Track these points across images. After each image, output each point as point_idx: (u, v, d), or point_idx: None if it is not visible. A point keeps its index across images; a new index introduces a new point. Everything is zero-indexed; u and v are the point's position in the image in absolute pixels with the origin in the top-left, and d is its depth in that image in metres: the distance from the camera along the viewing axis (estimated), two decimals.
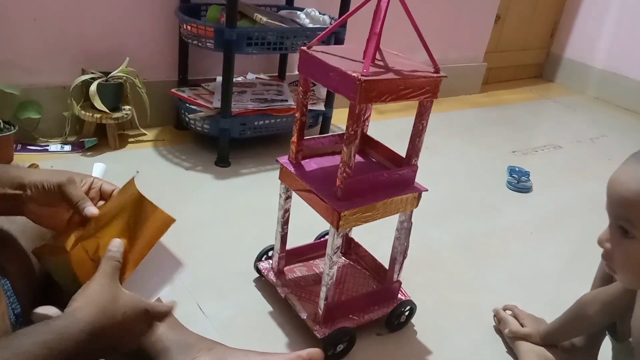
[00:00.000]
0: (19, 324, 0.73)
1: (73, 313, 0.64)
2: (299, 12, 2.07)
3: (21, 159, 1.70)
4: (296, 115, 1.11)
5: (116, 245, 0.73)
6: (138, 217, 0.75)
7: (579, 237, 1.77)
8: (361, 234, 1.38)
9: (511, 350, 1.22)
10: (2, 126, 1.66)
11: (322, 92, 2.17)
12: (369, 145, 1.22)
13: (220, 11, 1.88)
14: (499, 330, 1.29)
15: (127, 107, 1.90)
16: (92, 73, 1.81)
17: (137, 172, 0.82)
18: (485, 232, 1.72)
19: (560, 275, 1.55)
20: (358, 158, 1.19)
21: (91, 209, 0.74)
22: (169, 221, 0.74)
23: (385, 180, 1.07)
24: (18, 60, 1.76)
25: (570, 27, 3.63)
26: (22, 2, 1.70)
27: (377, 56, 1.04)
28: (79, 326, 0.62)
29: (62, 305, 0.74)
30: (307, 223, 1.40)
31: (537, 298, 1.41)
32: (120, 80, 1.84)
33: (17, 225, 0.82)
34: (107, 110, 1.79)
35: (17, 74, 1.76)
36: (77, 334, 0.62)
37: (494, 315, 1.31)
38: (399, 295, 1.25)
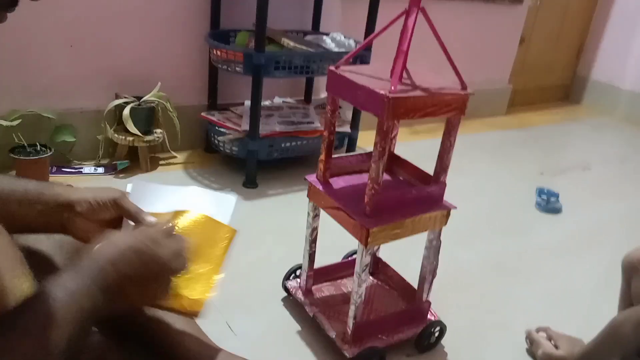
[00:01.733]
0: None
1: (92, 251, 0.64)
2: (324, 37, 2.11)
3: (56, 180, 1.75)
4: (324, 134, 1.13)
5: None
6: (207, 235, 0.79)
7: (610, 257, 1.72)
8: (388, 255, 1.38)
9: None
10: (38, 149, 1.72)
11: (348, 114, 2.19)
12: (396, 163, 1.23)
13: (249, 37, 1.93)
14: (532, 353, 1.26)
15: (158, 130, 1.95)
16: (125, 97, 1.87)
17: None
18: (515, 253, 1.70)
19: (593, 296, 1.51)
20: (386, 176, 1.20)
21: (151, 219, 0.77)
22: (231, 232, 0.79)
23: (414, 197, 1.07)
24: (55, 85, 1.83)
25: (596, 48, 3.61)
26: (59, 30, 1.78)
27: (404, 74, 1.05)
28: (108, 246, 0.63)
29: (102, 325, 0.75)
30: (334, 243, 1.40)
31: (570, 319, 1.38)
32: (152, 105, 1.90)
33: (54, 241, 0.84)
34: (140, 134, 1.84)
35: (54, 98, 1.83)
36: (100, 265, 0.61)
37: (526, 337, 1.28)
38: (429, 316, 1.24)
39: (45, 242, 0.83)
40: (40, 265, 0.79)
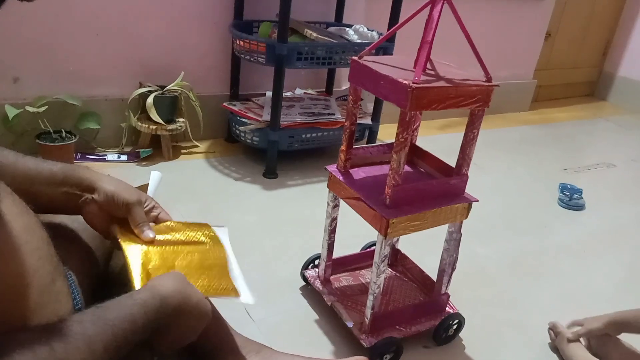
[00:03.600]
0: None
1: (154, 287, 0.66)
2: (347, 29, 2.11)
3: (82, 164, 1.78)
4: (346, 124, 1.13)
5: None
6: (212, 270, 0.80)
7: (634, 256, 1.70)
8: (407, 247, 1.38)
9: None
10: (63, 135, 1.75)
11: (369, 106, 2.19)
12: (417, 155, 1.22)
13: (272, 27, 1.93)
14: (555, 348, 1.24)
15: (181, 119, 1.97)
16: (149, 86, 1.89)
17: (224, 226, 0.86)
18: (536, 250, 1.68)
19: (615, 295, 1.49)
20: (407, 168, 1.19)
21: (149, 234, 0.79)
22: (233, 293, 0.78)
23: (435, 189, 1.07)
24: (80, 72, 1.86)
25: (624, 44, 3.53)
26: (86, 19, 1.80)
27: (428, 65, 1.05)
28: (160, 301, 0.64)
29: None
30: (353, 234, 1.40)
31: None
32: (175, 94, 1.91)
33: (78, 224, 0.86)
34: (162, 122, 1.86)
35: (79, 86, 1.86)
36: (157, 308, 0.63)
37: (550, 328, 1.26)
38: (447, 309, 1.23)
39: (69, 224, 0.85)
40: (69, 242, 0.81)
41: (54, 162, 0.78)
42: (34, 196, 0.75)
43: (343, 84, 2.43)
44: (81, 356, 0.55)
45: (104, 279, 0.87)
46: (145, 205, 0.82)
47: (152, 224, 0.82)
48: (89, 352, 0.56)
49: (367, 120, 2.12)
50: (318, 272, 1.30)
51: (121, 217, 0.80)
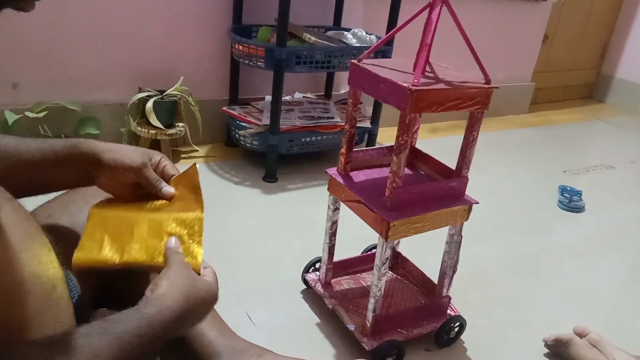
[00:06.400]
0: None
1: (160, 300, 0.65)
2: (346, 33, 2.11)
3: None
4: (346, 127, 1.13)
5: (173, 243, 0.75)
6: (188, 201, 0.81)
7: (634, 257, 1.70)
8: (408, 250, 1.38)
9: None
10: None
11: (368, 109, 2.19)
12: (417, 158, 1.22)
13: (271, 32, 1.94)
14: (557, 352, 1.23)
15: (180, 124, 1.97)
16: (149, 91, 1.89)
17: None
18: (537, 251, 1.68)
19: (617, 297, 1.49)
20: (407, 170, 1.20)
21: (168, 190, 0.81)
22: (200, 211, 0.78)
23: (435, 191, 1.07)
24: (80, 78, 1.86)
25: (621, 46, 3.54)
26: (85, 24, 1.80)
27: (427, 68, 1.05)
28: (167, 313, 0.64)
29: (123, 304, 0.76)
30: (354, 237, 1.41)
31: (592, 319, 1.36)
32: (174, 98, 1.92)
33: (80, 228, 0.86)
34: (162, 127, 1.86)
35: (79, 91, 1.86)
36: (165, 321, 0.63)
37: (551, 344, 1.23)
38: (449, 311, 1.23)
39: (73, 226, 0.85)
40: (69, 245, 0.81)
41: (56, 141, 0.78)
42: (43, 179, 0.76)
43: (342, 87, 2.43)
44: None
45: (107, 282, 0.87)
46: (151, 162, 0.82)
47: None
48: None
49: (367, 124, 2.12)
50: (319, 276, 1.30)
51: (132, 182, 0.81)
